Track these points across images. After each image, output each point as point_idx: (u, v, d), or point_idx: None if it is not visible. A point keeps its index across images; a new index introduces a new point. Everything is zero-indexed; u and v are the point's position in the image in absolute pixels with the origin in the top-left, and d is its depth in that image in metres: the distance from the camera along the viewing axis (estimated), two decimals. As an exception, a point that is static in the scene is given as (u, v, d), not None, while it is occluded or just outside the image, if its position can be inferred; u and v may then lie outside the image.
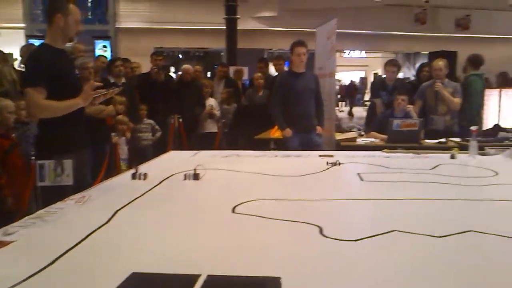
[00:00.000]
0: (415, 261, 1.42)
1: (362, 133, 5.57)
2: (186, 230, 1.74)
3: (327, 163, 3.09)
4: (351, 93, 23.34)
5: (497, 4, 16.37)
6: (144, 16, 16.77)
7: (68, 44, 3.56)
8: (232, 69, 8.38)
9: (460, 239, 1.61)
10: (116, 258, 1.45)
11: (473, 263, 1.42)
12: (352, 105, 21.91)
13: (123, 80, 5.76)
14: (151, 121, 6.07)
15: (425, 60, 10.56)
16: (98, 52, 11.21)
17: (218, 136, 6.76)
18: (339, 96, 23.23)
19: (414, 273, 1.33)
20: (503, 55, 19.16)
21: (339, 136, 5.25)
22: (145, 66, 7.13)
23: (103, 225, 1.77)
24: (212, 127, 6.79)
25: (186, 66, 7.13)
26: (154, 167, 3.06)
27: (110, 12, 14.42)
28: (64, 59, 2.85)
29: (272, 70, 7.86)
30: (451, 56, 7.97)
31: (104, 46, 12.32)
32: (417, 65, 14.50)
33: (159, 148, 5.45)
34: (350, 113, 20.13)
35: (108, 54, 11.87)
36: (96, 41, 12.36)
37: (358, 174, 2.81)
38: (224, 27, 13.09)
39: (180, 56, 20.06)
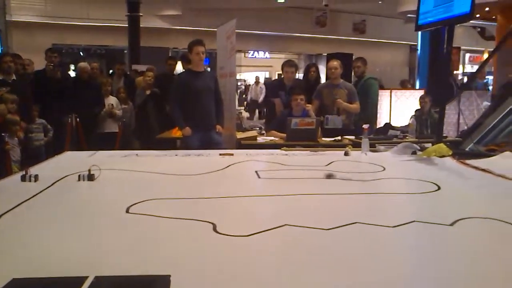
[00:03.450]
0: (302, 253, 1.49)
1: (263, 132, 5.70)
2: (76, 233, 1.68)
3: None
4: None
5: (388, 12, 17.51)
6: (40, 10, 15.90)
7: None
8: (140, 68, 8.27)
9: (347, 230, 1.70)
10: (-4, 265, 1.37)
11: (357, 252, 1.51)
12: None
13: (14, 77, 5.43)
14: (42, 121, 5.79)
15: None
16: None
17: (118, 136, 6.58)
18: (244, 96, 23.30)
19: (301, 264, 1.39)
20: (393, 58, 20.53)
21: (240, 135, 5.32)
22: (43, 63, 6.77)
23: (-16, 230, 1.67)
24: (112, 127, 6.60)
25: (82, 63, 6.87)
26: (47, 168, 2.93)
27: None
28: None
29: (180, 68, 7.87)
30: (347, 58, 8.38)
31: (-7, 41, 11.43)
32: (320, 66, 15.08)
33: (55, 149, 5.20)
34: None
35: (-2, 49, 11.08)
36: (-18, 34, 11.46)
37: (256, 171, 2.86)
38: (127, 25, 12.78)
39: (81, 53, 19.23)
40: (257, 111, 18.59)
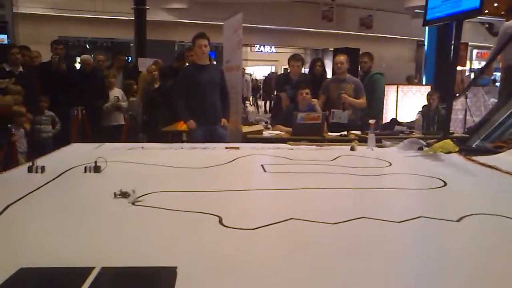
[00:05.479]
0: (308, 247, 1.48)
1: (269, 126, 5.70)
2: (82, 223, 1.69)
3: None
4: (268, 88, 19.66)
5: (395, 7, 17.42)
6: (47, 2, 15.93)
7: None
8: (148, 61, 8.19)
9: (353, 225, 1.70)
10: (4, 253, 1.37)
11: (364, 247, 1.51)
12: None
13: (21, 69, 5.44)
14: (51, 113, 5.81)
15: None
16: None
17: (124, 128, 6.58)
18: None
19: (306, 258, 1.39)
20: (400, 54, 20.44)
21: (245, 129, 5.31)
22: (49, 55, 6.78)
23: (-8, 220, 1.67)
24: (119, 119, 6.61)
25: (85, 56, 6.88)
26: (53, 160, 2.93)
27: (6, -5, 13.38)
28: None
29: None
30: (354, 53, 8.34)
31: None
32: (326, 60, 15.06)
33: (62, 142, 5.21)
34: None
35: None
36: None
37: (262, 165, 2.86)
38: (133, 18, 12.77)
39: (87, 46, 19.26)
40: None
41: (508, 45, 6.26)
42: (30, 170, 2.51)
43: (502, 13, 13.05)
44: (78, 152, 3.30)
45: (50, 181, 2.31)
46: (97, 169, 2.53)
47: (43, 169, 2.51)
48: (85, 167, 2.53)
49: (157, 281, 1.22)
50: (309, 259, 1.38)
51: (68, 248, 1.44)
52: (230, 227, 1.62)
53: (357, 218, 1.75)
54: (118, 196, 1.99)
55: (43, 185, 2.21)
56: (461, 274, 1.31)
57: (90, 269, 1.22)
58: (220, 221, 1.68)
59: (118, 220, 1.74)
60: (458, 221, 1.75)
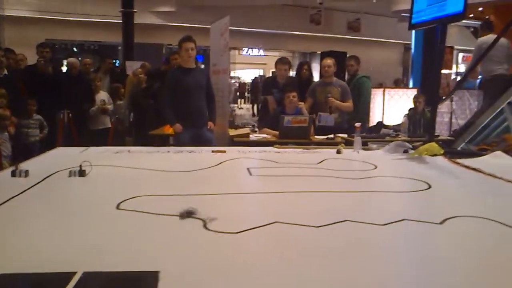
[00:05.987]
0: (292, 250, 1.49)
1: (256, 129, 5.70)
2: (65, 228, 1.68)
3: None
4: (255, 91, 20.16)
5: (382, 10, 17.52)
6: (33, 5, 15.76)
7: None
8: (135, 64, 8.17)
9: (337, 228, 1.70)
10: (-17, 260, 1.36)
11: (347, 250, 1.51)
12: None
13: (5, 72, 5.40)
14: (40, 117, 5.77)
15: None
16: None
17: (111, 132, 6.55)
18: (238, 94, 23.23)
19: (290, 261, 1.39)
20: (387, 57, 20.55)
21: (232, 132, 5.30)
22: (35, 58, 6.73)
23: (-28, 225, 1.65)
24: (105, 123, 6.57)
25: (71, 59, 6.84)
26: (38, 164, 2.90)
27: (-8, -2, 13.24)
28: None
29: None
30: (341, 56, 8.38)
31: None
32: (314, 64, 15.11)
33: (48, 145, 5.17)
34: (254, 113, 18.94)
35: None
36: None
37: (248, 169, 2.87)
38: (121, 21, 12.72)
39: (75, 49, 19.12)
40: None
41: (482, 60, 6.36)
42: (13, 174, 2.48)
43: (487, 17, 13.21)
44: (63, 156, 3.27)
45: (33, 185, 2.28)
46: (82, 173, 2.51)
47: (26, 173, 2.49)
48: (70, 171, 2.51)
49: (139, 285, 1.21)
50: (293, 263, 1.38)
51: (50, 252, 1.42)
52: (214, 231, 1.62)
53: (341, 221, 1.76)
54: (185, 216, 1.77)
55: (26, 190, 2.19)
56: (444, 277, 1.31)
57: (72, 274, 1.22)
58: (204, 225, 1.67)
59: (101, 225, 1.73)
60: (441, 223, 1.77)
